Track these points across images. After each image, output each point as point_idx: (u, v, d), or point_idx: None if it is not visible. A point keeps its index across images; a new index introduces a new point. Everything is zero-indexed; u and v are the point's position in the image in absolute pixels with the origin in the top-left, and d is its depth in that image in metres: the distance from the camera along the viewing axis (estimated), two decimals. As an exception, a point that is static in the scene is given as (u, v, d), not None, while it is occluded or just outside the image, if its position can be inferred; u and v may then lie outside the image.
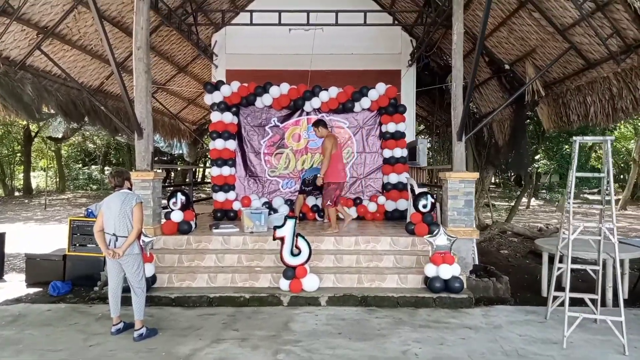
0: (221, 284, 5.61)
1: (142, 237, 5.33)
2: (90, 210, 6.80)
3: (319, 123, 7.08)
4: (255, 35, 9.92)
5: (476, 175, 6.19)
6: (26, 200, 21.42)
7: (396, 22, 9.96)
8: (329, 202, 6.86)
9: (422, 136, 12.24)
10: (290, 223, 5.37)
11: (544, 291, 6.26)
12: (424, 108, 13.61)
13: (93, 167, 31.01)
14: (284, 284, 5.36)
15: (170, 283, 5.64)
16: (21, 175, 26.94)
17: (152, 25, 8.45)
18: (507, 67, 8.20)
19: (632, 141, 19.77)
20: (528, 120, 9.10)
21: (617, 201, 19.83)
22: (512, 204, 10.70)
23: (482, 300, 5.57)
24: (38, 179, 29.42)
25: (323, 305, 5.23)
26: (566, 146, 10.04)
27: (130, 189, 4.64)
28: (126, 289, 4.56)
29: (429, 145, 9.35)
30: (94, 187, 28.24)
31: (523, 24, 7.02)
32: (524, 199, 20.02)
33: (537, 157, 10.39)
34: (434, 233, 5.42)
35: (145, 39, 6.40)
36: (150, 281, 5.48)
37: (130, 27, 7.43)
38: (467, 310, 5.17)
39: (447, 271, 5.25)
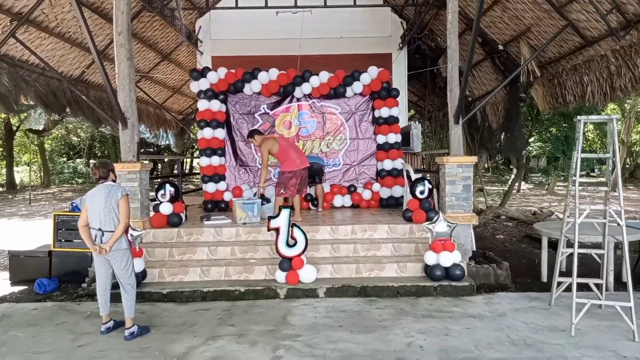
0: (215, 277, 5.41)
1: (130, 231, 5.09)
2: (75, 205, 6.53)
3: (252, 134, 6.76)
4: (241, 20, 9.62)
5: (474, 159, 6.03)
6: (10, 196, 20.89)
7: (386, 2, 9.70)
8: (282, 191, 6.56)
9: (414, 121, 12.06)
10: (285, 213, 5.17)
11: (543, 276, 6.18)
12: (414, 93, 13.41)
13: (78, 160, 30.39)
14: (280, 275, 5.17)
15: (161, 278, 5.42)
16: (4, 171, 26.30)
17: (133, 11, 8.13)
18: (500, 47, 8.03)
19: (620, 122, 19.85)
20: (521, 102, 8.94)
21: (606, 183, 20.01)
22: (504, 188, 10.61)
23: (482, 287, 5.44)
24: (22, 174, 28.78)
25: (321, 297, 5.06)
26: (560, 126, 9.90)
27: (114, 181, 4.38)
28: (115, 286, 4.35)
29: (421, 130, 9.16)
30: (80, 180, 27.69)
31: (517, 1, 6.84)
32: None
33: (530, 140, 10.25)
34: (433, 220, 5.26)
35: (126, 24, 6.10)
36: (141, 276, 5.27)
37: (110, 14, 7.08)
38: (469, 298, 5.04)
39: (447, 258, 5.11)
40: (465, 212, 5.99)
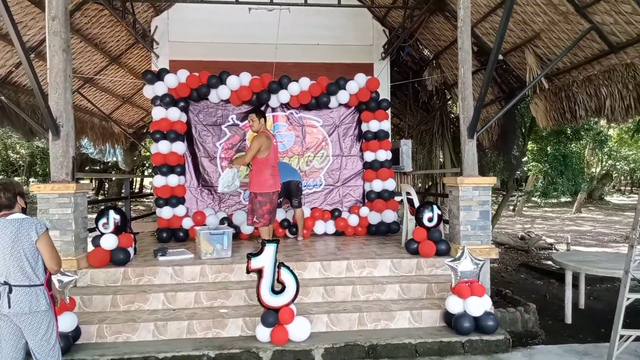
0: (174, 335, 4.08)
1: (58, 277, 3.72)
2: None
3: (255, 113, 5.66)
4: (205, 20, 8.41)
5: (493, 180, 5.06)
6: None
7: (367, 6, 8.81)
8: (255, 220, 5.55)
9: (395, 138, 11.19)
10: (270, 249, 3.95)
11: (568, 317, 5.27)
12: (392, 107, 12.57)
13: (17, 178, 27.65)
14: (263, 333, 3.92)
15: (100, 337, 4.03)
16: None
17: (76, 1, 6.77)
18: (500, 57, 7.22)
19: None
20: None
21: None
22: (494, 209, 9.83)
23: (511, 337, 4.42)
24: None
25: (318, 362, 3.85)
26: (558, 145, 9.25)
27: (24, 210, 2.97)
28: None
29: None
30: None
31: (527, 4, 6.03)
32: (511, 203, 19.61)
33: (524, 159, 9.57)
34: (458, 256, 4.19)
35: (63, 7, 4.79)
36: (72, 337, 3.88)
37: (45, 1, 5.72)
38: (506, 356, 3.98)
39: (477, 306, 4.04)
40: (483, 244, 4.97)
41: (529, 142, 9.71)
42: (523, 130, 8.69)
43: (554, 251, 9.93)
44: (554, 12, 5.80)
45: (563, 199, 22.61)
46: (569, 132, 9.65)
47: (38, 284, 2.84)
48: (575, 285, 5.72)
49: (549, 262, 8.60)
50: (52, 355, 2.93)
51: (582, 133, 9.69)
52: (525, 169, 12.19)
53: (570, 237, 9.10)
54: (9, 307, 2.75)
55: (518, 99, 6.47)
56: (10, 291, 2.76)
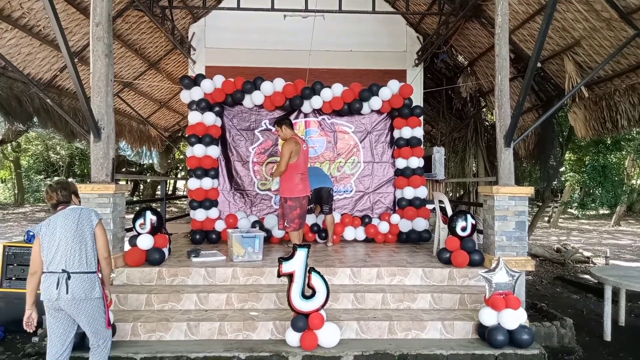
0: (205, 335, 4.14)
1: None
2: (32, 234, 5.24)
3: (281, 122, 5.77)
4: (240, 27, 8.59)
5: (530, 190, 4.93)
6: (-24, 215, 19.22)
7: (403, 10, 8.76)
8: (286, 224, 5.61)
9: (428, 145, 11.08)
10: (302, 254, 3.96)
11: (607, 334, 5.07)
12: (424, 114, 12.45)
13: (56, 178, 28.68)
14: (293, 337, 3.93)
15: (134, 335, 4.13)
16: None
17: (117, 7, 7.01)
18: (538, 65, 7.05)
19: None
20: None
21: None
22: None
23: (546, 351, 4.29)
24: (-3, 191, 27.00)
25: (348, 368, 3.83)
26: (597, 155, 8.94)
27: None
28: (76, 346, 3.35)
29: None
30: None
31: (567, 10, 5.89)
32: (546, 214, 19.08)
33: (561, 169, 9.29)
34: (493, 267, 4.10)
35: (106, 14, 4.97)
36: (108, 334, 3.99)
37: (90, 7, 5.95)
38: (540, 371, 3.87)
39: (512, 319, 3.93)
40: (518, 256, 4.86)
41: (567, 152, 9.44)
42: (561, 139, 8.45)
43: (591, 265, 9.60)
44: (596, 18, 5.64)
45: (601, 211, 21.84)
46: (608, 142, 9.33)
47: (94, 271, 3.09)
48: (615, 302, 5.51)
49: (586, 276, 8.32)
50: (104, 337, 3.21)
51: (623, 143, 9.33)
52: (562, 179, 11.83)
53: (609, 251, 8.78)
54: (67, 292, 2.95)
55: (557, 108, 6.32)
56: (69, 278, 2.97)
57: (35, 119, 7.33)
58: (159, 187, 21.98)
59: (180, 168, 25.44)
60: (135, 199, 25.43)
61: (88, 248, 3.06)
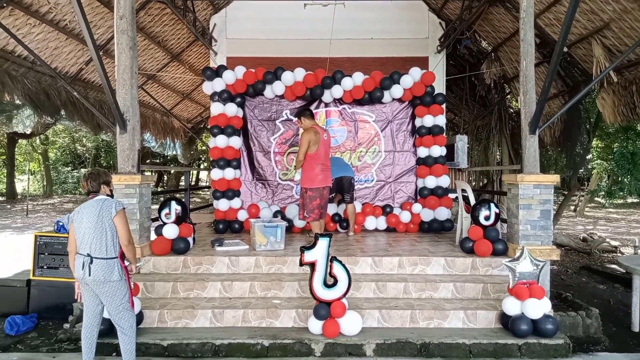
0: (230, 323, 4.23)
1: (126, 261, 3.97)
2: (61, 224, 5.41)
3: (302, 113, 5.76)
4: (261, 17, 8.57)
5: (556, 178, 4.84)
6: (8, 206, 19.85)
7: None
8: (306, 214, 5.63)
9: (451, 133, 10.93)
10: (323, 243, 4.00)
11: (635, 325, 4.96)
12: (447, 102, 12.29)
13: (83, 170, 29.43)
14: (315, 325, 3.98)
15: (161, 322, 4.25)
16: (6, 179, 25.34)
17: (140, 1, 7.09)
18: (564, 49, 6.86)
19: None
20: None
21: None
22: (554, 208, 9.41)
23: (571, 341, 4.24)
24: (25, 183, 27.82)
25: (370, 356, 3.86)
26: (626, 141, 8.68)
27: (111, 195, 3.52)
28: (104, 333, 3.67)
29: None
30: (83, 191, 26.65)
31: (596, -8, 5.70)
32: (572, 203, 18.66)
33: (588, 157, 9.06)
34: (517, 256, 4.06)
35: (130, 7, 5.04)
36: (136, 320, 4.10)
37: (114, 1, 6.05)
38: (565, 361, 3.83)
39: (536, 308, 3.90)
40: (543, 245, 4.79)
41: (594, 139, 9.19)
42: (588, 126, 8.23)
43: (619, 254, 9.37)
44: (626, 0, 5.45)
45: (629, 200, 21.25)
46: (639, 128, 9.03)
47: (113, 257, 3.31)
48: (644, 291, 5.38)
49: (614, 266, 8.13)
50: (124, 317, 3.39)
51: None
52: (589, 167, 11.53)
53: (638, 240, 8.55)
54: (90, 274, 3.24)
55: (584, 93, 6.15)
56: (91, 262, 3.24)
57: (62, 112, 7.53)
58: (182, 177, 22.32)
59: (203, 159, 25.77)
60: (159, 189, 25.95)
61: (107, 237, 3.28)
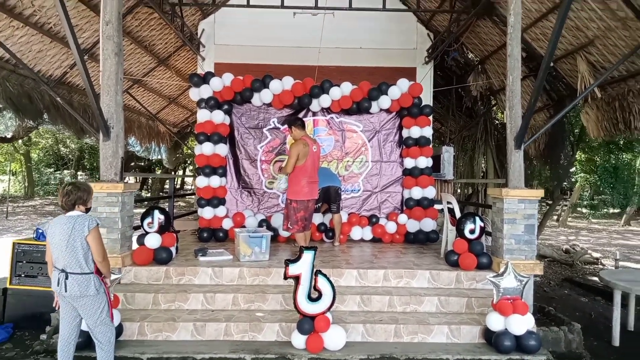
0: (212, 336, 4.15)
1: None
2: (40, 232, 5.28)
3: (293, 122, 5.70)
4: (250, 24, 8.55)
5: (540, 193, 4.89)
6: (-13, 208, 19.43)
7: (414, 7, 8.68)
8: (290, 225, 5.59)
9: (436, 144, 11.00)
10: (308, 256, 3.96)
11: (615, 339, 5.01)
12: (434, 112, 12.37)
13: (65, 172, 28.97)
14: (299, 340, 3.93)
15: (141, 335, 4.16)
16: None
17: (128, 4, 7.00)
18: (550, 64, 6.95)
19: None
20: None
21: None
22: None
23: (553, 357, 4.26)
24: (6, 184, 27.28)
25: (353, 372, 3.82)
26: (608, 156, 8.82)
27: (88, 211, 3.39)
28: (82, 346, 3.65)
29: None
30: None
31: (582, 9, 5.79)
32: (555, 213, 18.84)
33: (571, 169, 9.18)
34: (501, 272, 4.07)
35: (116, 12, 4.96)
36: (116, 332, 4.00)
37: (100, 5, 5.96)
38: (548, 378, 3.83)
39: (519, 324, 3.90)
40: (527, 259, 4.81)
41: (577, 152, 9.32)
42: (572, 138, 8.34)
43: (600, 266, 9.50)
44: (610, 17, 5.54)
45: (611, 210, 21.62)
46: (621, 142, 9.19)
47: (88, 272, 3.22)
48: (624, 305, 5.44)
49: (595, 278, 8.23)
50: (102, 332, 3.33)
51: (635, 144, 9.19)
52: (573, 179, 11.69)
53: (619, 253, 8.67)
54: (66, 290, 3.18)
55: (569, 109, 6.22)
56: (66, 278, 3.17)
57: (45, 116, 7.38)
58: (167, 181, 22.08)
59: (189, 162, 25.54)
60: (143, 193, 25.61)
61: (79, 255, 3.18)
